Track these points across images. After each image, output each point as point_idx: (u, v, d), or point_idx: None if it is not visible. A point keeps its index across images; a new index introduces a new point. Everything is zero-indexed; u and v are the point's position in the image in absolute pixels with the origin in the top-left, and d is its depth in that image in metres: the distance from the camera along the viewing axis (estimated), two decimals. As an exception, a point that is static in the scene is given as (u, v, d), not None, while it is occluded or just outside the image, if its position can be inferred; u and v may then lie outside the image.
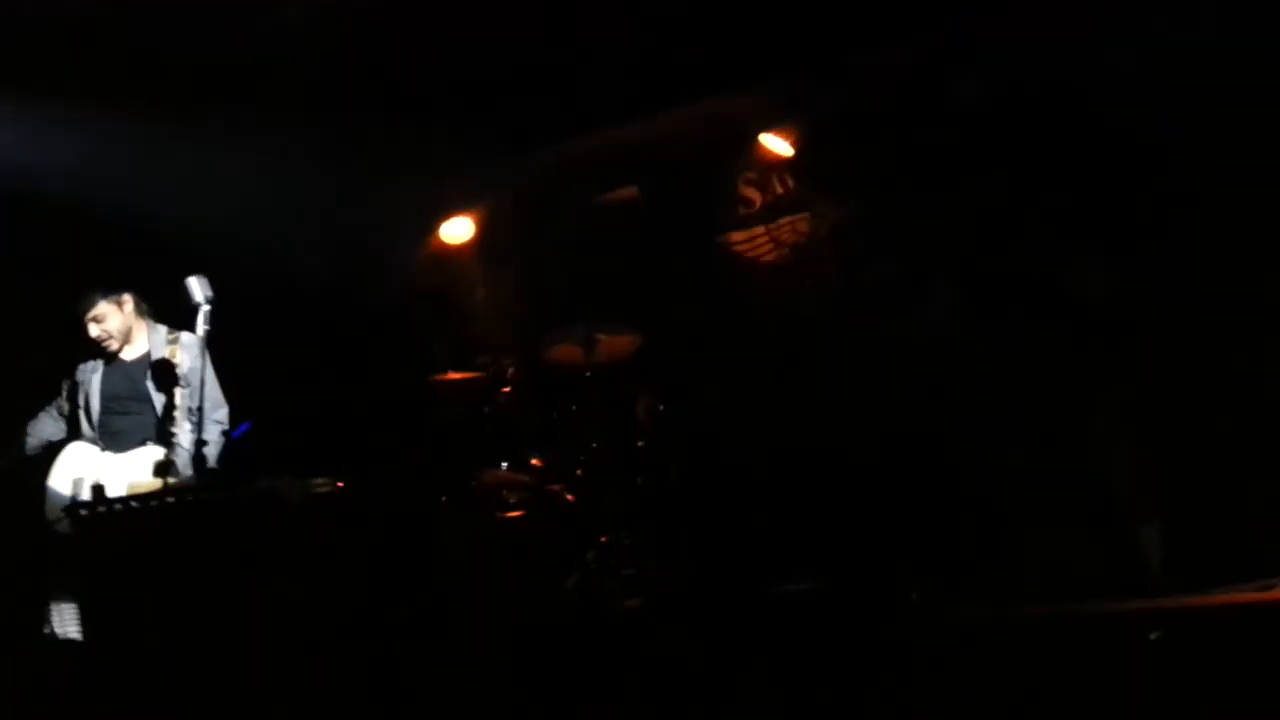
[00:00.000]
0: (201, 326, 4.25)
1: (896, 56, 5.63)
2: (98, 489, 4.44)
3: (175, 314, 4.75)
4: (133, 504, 4.02)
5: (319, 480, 5.86)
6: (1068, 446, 4.67)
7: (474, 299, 6.89)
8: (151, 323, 4.83)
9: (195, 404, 4.36)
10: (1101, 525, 4.45)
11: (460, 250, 6.76)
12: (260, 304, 6.47)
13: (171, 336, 4.73)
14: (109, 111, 5.29)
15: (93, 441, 4.68)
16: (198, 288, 4.26)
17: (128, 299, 4.78)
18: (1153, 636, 2.64)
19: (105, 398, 4.72)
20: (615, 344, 5.61)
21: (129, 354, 4.78)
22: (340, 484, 5.77)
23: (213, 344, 4.35)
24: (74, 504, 4.33)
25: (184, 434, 4.52)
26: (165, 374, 4.64)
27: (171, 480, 4.37)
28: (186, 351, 4.63)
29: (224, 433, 4.79)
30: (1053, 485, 4.61)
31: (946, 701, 3.32)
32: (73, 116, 5.28)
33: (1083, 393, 4.74)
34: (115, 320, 4.72)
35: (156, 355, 4.71)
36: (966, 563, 4.68)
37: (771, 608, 4.63)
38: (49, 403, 4.89)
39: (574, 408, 5.51)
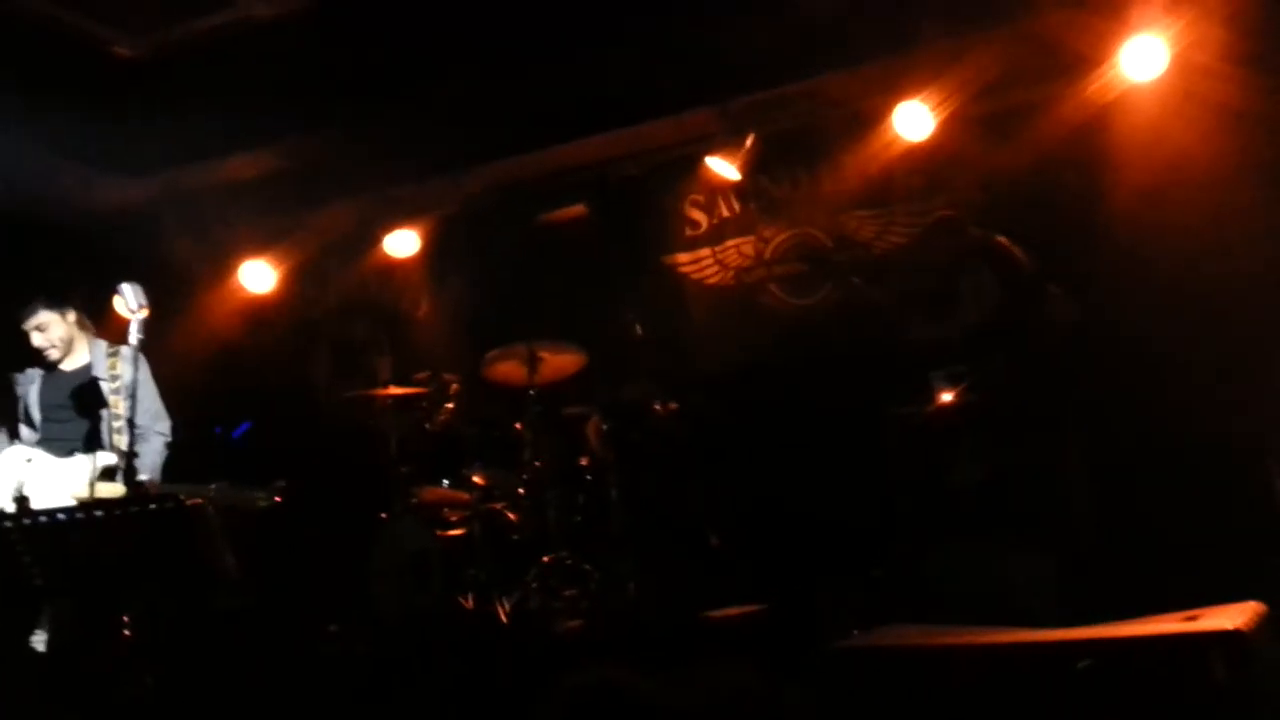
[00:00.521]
0: (135, 335, 4.14)
1: (838, 81, 5.73)
2: (21, 500, 4.36)
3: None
4: (58, 515, 3.92)
5: (258, 493, 5.77)
6: (1023, 472, 4.74)
7: (417, 313, 6.84)
8: (93, 336, 4.76)
9: (130, 415, 4.28)
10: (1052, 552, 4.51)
11: (404, 264, 6.71)
12: (194, 313, 6.41)
13: (112, 350, 4.67)
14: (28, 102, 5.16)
15: (31, 448, 4.58)
16: (131, 295, 4.13)
17: (70, 310, 4.70)
18: (1081, 665, 2.69)
19: (45, 407, 4.66)
20: (558, 362, 5.60)
21: (69, 364, 4.71)
22: (279, 498, 5.70)
23: (148, 353, 4.27)
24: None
25: (123, 445, 4.44)
26: (92, 393, 4.58)
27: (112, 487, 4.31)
28: (126, 364, 4.56)
29: (167, 444, 4.74)
30: (1005, 511, 4.68)
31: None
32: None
33: (1044, 421, 4.83)
34: (58, 330, 4.65)
35: (97, 368, 4.65)
36: (909, 587, 4.73)
37: (709, 632, 4.65)
38: None
39: (517, 425, 5.48)
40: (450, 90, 5.52)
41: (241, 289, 6.46)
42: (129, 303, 4.16)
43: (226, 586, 4.72)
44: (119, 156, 5.96)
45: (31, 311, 4.62)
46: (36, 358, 4.68)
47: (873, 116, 5.66)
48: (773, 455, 5.57)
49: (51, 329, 4.63)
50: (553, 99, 5.66)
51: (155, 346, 4.34)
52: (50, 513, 3.96)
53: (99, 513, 3.92)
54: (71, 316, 4.70)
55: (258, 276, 6.45)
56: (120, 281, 4.20)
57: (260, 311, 6.67)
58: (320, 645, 5.12)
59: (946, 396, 4.96)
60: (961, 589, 4.45)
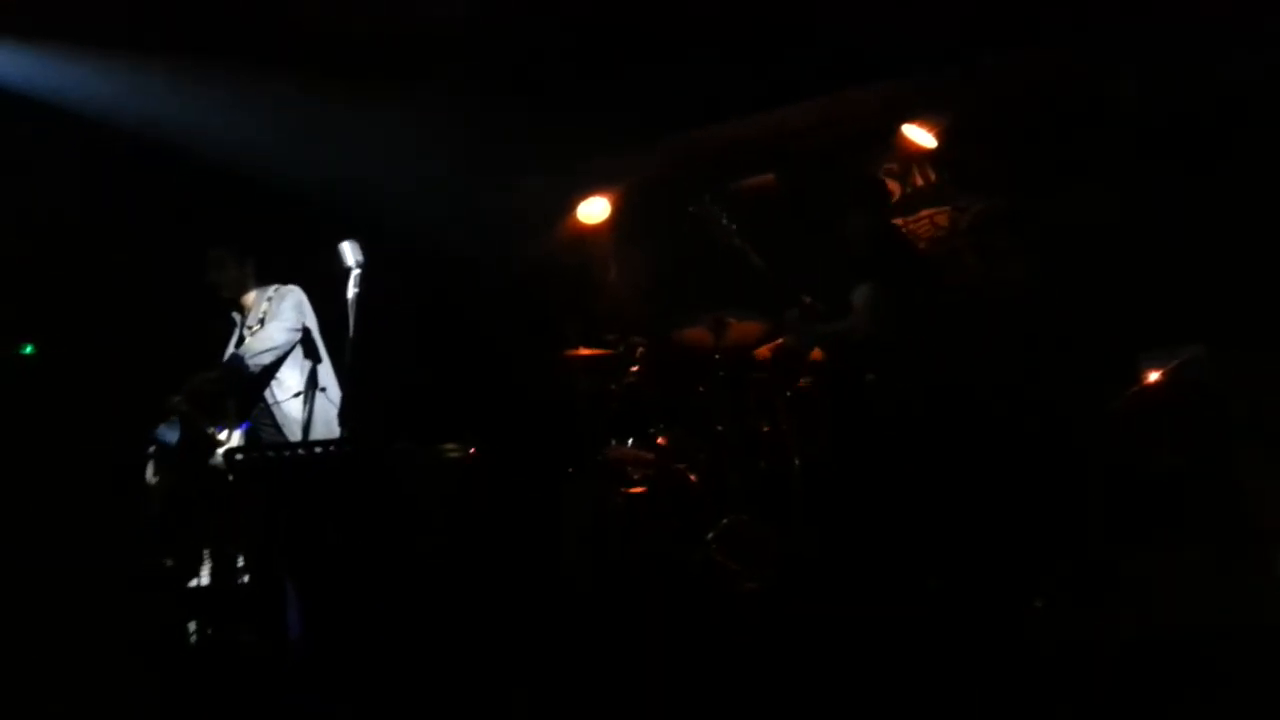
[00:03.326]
0: (352, 290, 4.38)
1: (1048, 51, 5.49)
2: (251, 436, 4.76)
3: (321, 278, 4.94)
4: (284, 453, 4.25)
5: (451, 446, 6.08)
6: (1214, 463, 4.47)
7: (607, 277, 7.00)
8: (261, 286, 5.02)
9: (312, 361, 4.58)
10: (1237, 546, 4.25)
11: (595, 229, 6.88)
12: (402, 273, 6.74)
13: (272, 294, 4.91)
14: (274, 84, 5.57)
15: None
16: (350, 252, 4.35)
17: (249, 258, 5.00)
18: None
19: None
20: (745, 329, 5.63)
21: (250, 317, 5.01)
22: (472, 450, 5.98)
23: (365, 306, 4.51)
24: (230, 450, 4.60)
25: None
26: (311, 347, 4.86)
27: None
28: (273, 302, 4.83)
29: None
30: (1193, 501, 4.43)
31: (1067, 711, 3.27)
32: (241, 89, 5.59)
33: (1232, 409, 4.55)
34: (230, 271, 4.95)
35: (256, 314, 4.91)
36: (1093, 574, 4.55)
37: (889, 602, 4.60)
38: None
39: (701, 389, 5.55)
40: (643, 59, 5.60)
41: (441, 250, 6.77)
42: (347, 259, 4.41)
43: (427, 530, 5.01)
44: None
45: (212, 251, 4.95)
46: (218, 298, 4.98)
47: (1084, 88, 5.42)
48: (956, 434, 5.43)
49: (223, 268, 4.93)
50: (745, 68, 5.66)
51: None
52: (276, 448, 4.36)
53: (317, 451, 4.25)
54: (250, 266, 4.99)
55: (458, 237, 6.74)
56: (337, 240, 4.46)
57: (458, 270, 6.96)
58: (511, 589, 5.34)
59: (1153, 376, 4.71)
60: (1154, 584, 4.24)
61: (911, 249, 6.06)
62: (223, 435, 4.74)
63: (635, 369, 5.77)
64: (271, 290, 4.95)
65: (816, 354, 5.54)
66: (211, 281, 4.98)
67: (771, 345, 5.53)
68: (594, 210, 6.73)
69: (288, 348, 4.74)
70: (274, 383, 4.77)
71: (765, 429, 5.41)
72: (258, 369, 4.70)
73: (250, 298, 5.00)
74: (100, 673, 4.53)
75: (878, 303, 5.22)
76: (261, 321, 4.84)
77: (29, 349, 6.26)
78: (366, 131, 5.96)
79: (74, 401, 5.83)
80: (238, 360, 4.69)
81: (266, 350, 4.70)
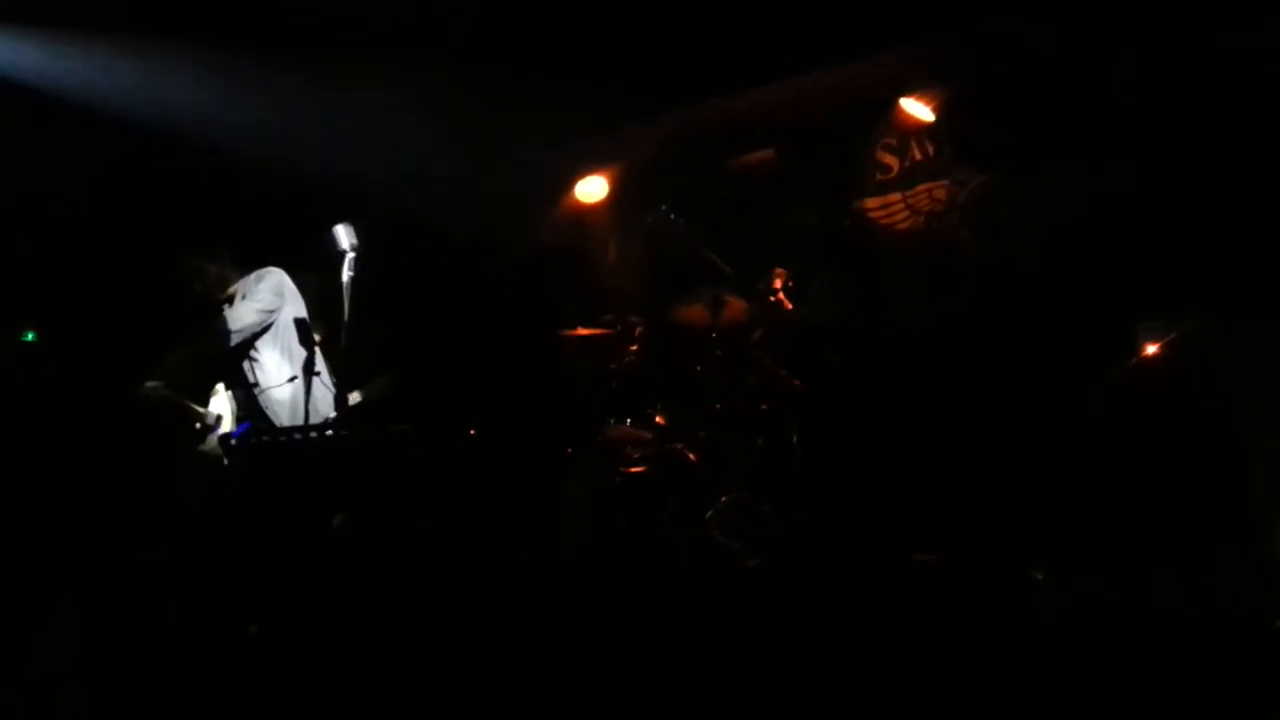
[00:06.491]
0: (347, 273, 4.36)
1: (1047, 23, 5.43)
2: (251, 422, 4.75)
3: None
4: (281, 438, 4.26)
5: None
6: (1211, 440, 4.46)
7: (605, 257, 6.98)
8: (244, 274, 4.96)
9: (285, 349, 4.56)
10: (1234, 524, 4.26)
11: (593, 209, 6.86)
12: (401, 256, 6.74)
13: (251, 278, 4.87)
14: (269, 68, 5.55)
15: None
16: (344, 235, 4.34)
17: (220, 254, 4.93)
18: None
19: None
20: (742, 307, 5.61)
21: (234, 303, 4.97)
22: (472, 431, 6.00)
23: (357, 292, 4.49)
24: (226, 435, 4.61)
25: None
26: (305, 332, 4.83)
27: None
28: (253, 284, 4.80)
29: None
30: (1190, 478, 4.42)
31: (1067, 680, 3.28)
32: (232, 71, 5.56)
33: (1231, 386, 4.53)
34: (210, 271, 4.88)
35: (238, 299, 4.86)
36: (1092, 544, 4.56)
37: (887, 576, 4.62)
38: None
39: (699, 368, 5.54)
40: (643, 35, 5.56)
41: (440, 233, 6.77)
42: (341, 242, 4.39)
43: (426, 513, 5.01)
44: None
45: (185, 262, 4.87)
46: (205, 302, 4.89)
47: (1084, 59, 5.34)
48: (963, 403, 5.41)
49: (203, 274, 4.86)
50: (743, 43, 5.62)
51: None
52: (272, 433, 4.37)
53: (313, 435, 4.25)
54: (224, 258, 4.92)
55: (457, 219, 6.74)
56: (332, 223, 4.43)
57: (456, 252, 6.96)
58: (510, 572, 5.36)
59: (1151, 349, 4.69)
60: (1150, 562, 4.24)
61: (868, 237, 6.10)
62: (211, 418, 4.72)
63: (633, 348, 5.75)
64: (254, 275, 4.93)
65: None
66: (199, 293, 4.90)
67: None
68: (592, 190, 6.71)
69: (257, 328, 4.70)
70: (255, 367, 4.74)
71: (763, 406, 5.41)
72: (225, 349, 4.67)
73: (235, 288, 4.98)
74: (102, 667, 4.57)
75: (834, 290, 5.42)
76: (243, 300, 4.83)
77: (30, 336, 6.29)
78: (360, 112, 5.94)
79: (74, 388, 5.86)
80: (205, 338, 4.66)
81: (235, 331, 4.67)
